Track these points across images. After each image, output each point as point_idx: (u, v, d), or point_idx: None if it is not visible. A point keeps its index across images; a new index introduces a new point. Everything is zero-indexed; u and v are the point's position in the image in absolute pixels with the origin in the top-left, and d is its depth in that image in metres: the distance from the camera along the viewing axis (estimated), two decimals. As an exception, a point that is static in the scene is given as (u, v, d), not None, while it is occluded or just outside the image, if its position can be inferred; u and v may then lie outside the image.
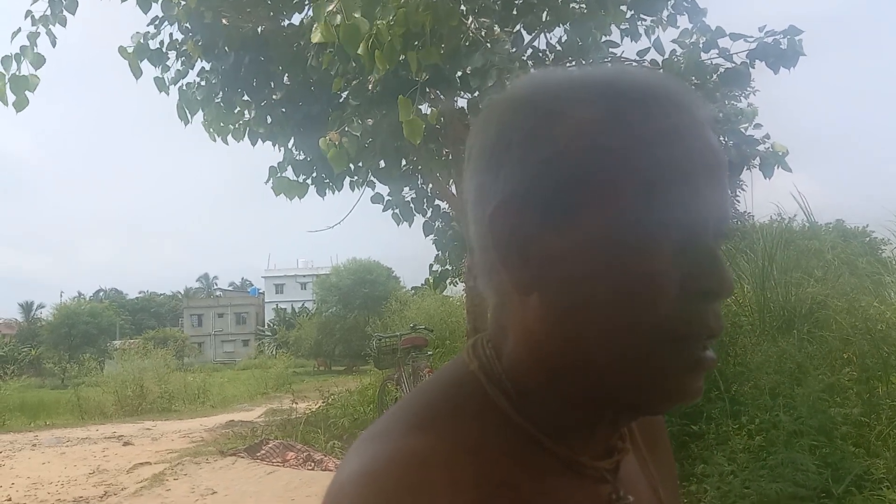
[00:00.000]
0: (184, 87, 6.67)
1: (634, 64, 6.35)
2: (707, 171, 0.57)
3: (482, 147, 0.61)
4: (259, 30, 6.40)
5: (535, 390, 0.60)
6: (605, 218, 0.55)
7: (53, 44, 5.86)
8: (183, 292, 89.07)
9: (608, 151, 0.56)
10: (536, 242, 0.57)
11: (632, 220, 0.55)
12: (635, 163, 0.55)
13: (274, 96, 6.62)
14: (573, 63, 6.57)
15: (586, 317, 0.56)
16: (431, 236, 7.98)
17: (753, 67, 5.79)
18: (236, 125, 6.71)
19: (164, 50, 6.43)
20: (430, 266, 8.43)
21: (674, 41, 6.04)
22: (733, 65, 5.90)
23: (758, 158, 6.08)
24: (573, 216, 0.56)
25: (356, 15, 4.34)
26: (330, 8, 4.39)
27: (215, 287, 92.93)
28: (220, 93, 6.65)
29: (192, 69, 6.68)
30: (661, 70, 5.98)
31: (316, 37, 4.55)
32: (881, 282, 7.19)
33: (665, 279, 0.55)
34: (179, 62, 6.69)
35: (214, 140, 6.79)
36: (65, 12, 6.01)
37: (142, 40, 6.23)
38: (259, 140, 6.85)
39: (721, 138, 6.10)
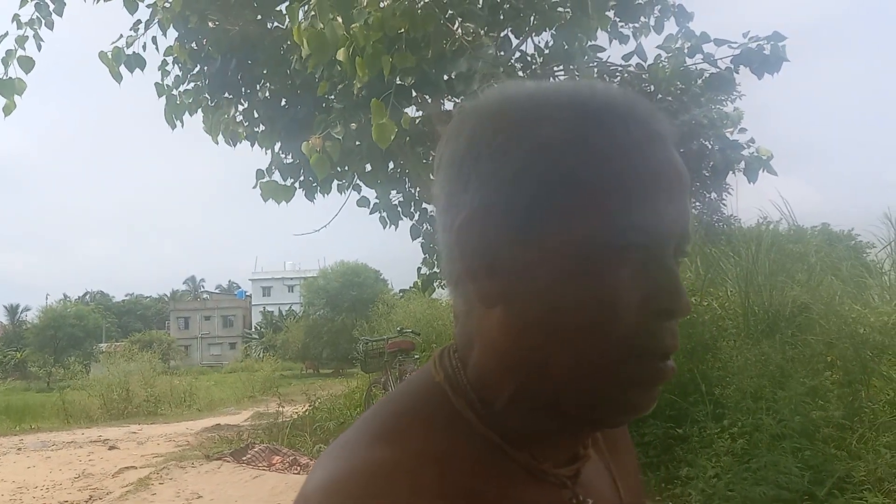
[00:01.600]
0: (174, 92, 6.66)
1: (616, 70, 6.40)
2: (669, 188, 0.59)
3: (452, 156, 0.62)
4: (245, 33, 6.39)
5: (500, 401, 0.61)
6: (569, 234, 0.57)
7: (39, 47, 5.84)
8: (169, 295, 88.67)
9: (571, 169, 0.57)
10: (502, 256, 0.58)
11: (594, 237, 0.56)
12: (598, 181, 0.57)
13: (259, 95, 6.61)
14: (560, 67, 6.60)
15: (548, 331, 0.58)
16: (419, 239, 7.99)
17: (738, 73, 5.85)
18: (228, 128, 6.70)
19: (143, 54, 6.40)
20: (419, 269, 8.44)
21: (659, 47, 6.08)
22: (718, 70, 5.95)
23: (743, 163, 6.13)
24: (538, 231, 0.57)
25: (332, 17, 4.35)
26: (301, 16, 4.41)
27: (202, 289, 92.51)
28: (208, 95, 6.64)
29: (192, 71, 6.67)
30: (646, 75, 6.03)
31: (303, 51, 4.58)
32: (864, 285, 7.25)
33: (625, 297, 0.57)
34: (177, 67, 6.69)
35: (217, 143, 6.79)
36: (53, 15, 6.00)
37: (119, 45, 6.20)
38: (246, 141, 6.84)
39: (706, 143, 6.15)
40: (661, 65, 6.00)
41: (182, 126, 6.65)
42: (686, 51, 5.92)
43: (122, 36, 6.19)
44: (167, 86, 6.72)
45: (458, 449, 0.59)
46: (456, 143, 0.62)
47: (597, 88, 0.61)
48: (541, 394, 0.60)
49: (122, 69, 6.14)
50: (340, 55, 4.56)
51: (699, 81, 6.08)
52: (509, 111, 0.61)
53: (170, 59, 6.70)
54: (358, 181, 7.07)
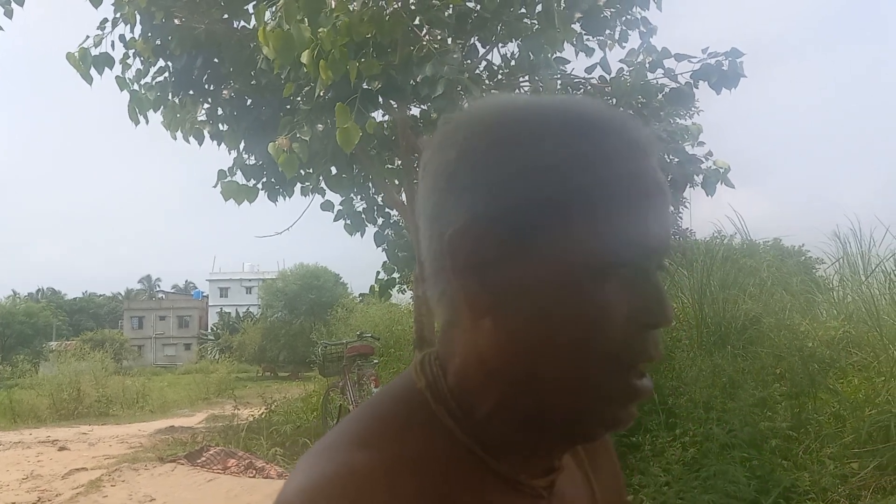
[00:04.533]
0: (136, 89, 6.56)
1: (579, 82, 6.49)
2: (655, 205, 0.61)
3: (442, 165, 0.62)
4: (211, 31, 6.34)
5: (480, 410, 0.62)
6: (561, 250, 0.58)
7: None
8: (124, 294, 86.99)
9: (566, 187, 0.59)
10: (494, 268, 0.60)
11: (585, 253, 0.58)
12: (591, 199, 0.59)
13: (223, 93, 6.55)
14: (526, 78, 6.67)
15: (536, 343, 0.59)
16: (383, 246, 8.00)
17: (697, 88, 5.96)
18: (191, 125, 6.62)
19: (111, 53, 6.30)
20: (377, 274, 8.44)
21: (621, 60, 6.18)
22: (678, 85, 6.07)
23: (701, 176, 6.25)
24: (531, 245, 0.59)
25: (299, 20, 4.35)
26: (268, 17, 4.40)
27: (158, 289, 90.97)
28: (172, 93, 6.56)
29: (154, 66, 6.58)
30: (609, 88, 6.12)
31: (265, 50, 4.56)
32: (813, 300, 7.46)
33: (614, 311, 0.59)
34: (139, 61, 6.59)
35: (175, 139, 6.69)
36: (12, 4, 5.88)
37: (86, 46, 6.10)
38: (209, 140, 6.77)
39: (666, 157, 6.26)
40: (623, 78, 6.10)
41: (147, 123, 6.55)
42: (648, 65, 6.03)
43: (88, 37, 6.08)
44: (128, 79, 6.62)
45: (436, 455, 0.60)
46: (446, 152, 0.62)
47: (588, 106, 0.63)
48: (524, 405, 0.61)
49: (92, 71, 6.04)
50: (304, 58, 4.55)
51: (660, 96, 6.19)
52: (505, 125, 0.62)
53: (131, 53, 6.60)
54: (322, 185, 7.05)
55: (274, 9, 4.56)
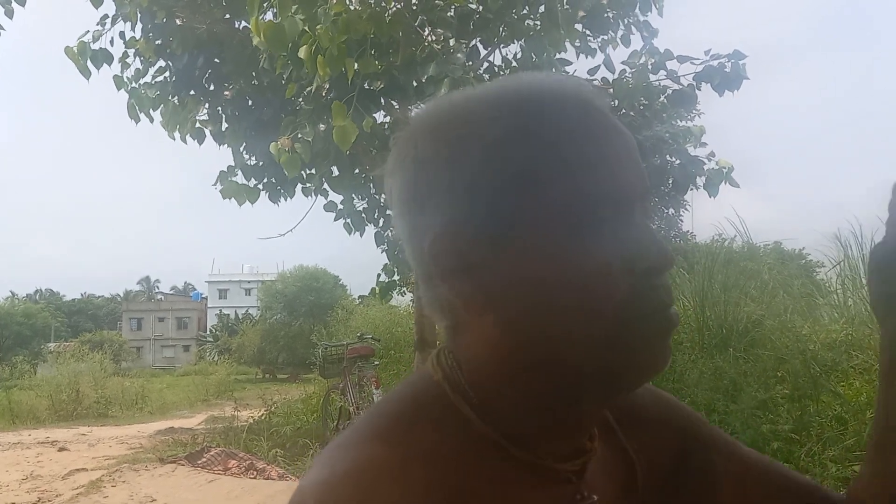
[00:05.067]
0: (135, 87, 6.57)
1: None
2: (618, 152, 0.60)
3: (403, 184, 0.62)
4: (213, 31, 6.34)
5: (499, 397, 0.61)
6: (541, 227, 0.57)
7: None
8: (122, 295, 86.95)
9: (522, 162, 0.58)
10: (481, 266, 0.59)
11: (563, 219, 0.57)
12: (550, 166, 0.58)
13: (225, 93, 6.56)
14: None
15: (547, 323, 0.58)
16: (383, 246, 7.99)
17: (699, 90, 5.97)
18: (192, 125, 6.62)
19: (110, 49, 6.30)
20: (378, 276, 8.43)
21: (623, 62, 6.19)
22: (680, 87, 6.07)
23: (703, 178, 6.24)
24: (510, 233, 0.58)
25: (295, 16, 4.36)
26: (266, 10, 4.40)
27: (157, 290, 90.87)
28: (173, 92, 6.57)
29: (153, 67, 6.58)
30: (611, 89, 6.12)
31: (255, 40, 4.56)
32: (814, 303, 7.45)
33: (610, 266, 0.57)
34: (138, 60, 6.59)
35: (174, 139, 6.69)
36: (13, 3, 5.89)
37: (86, 40, 6.10)
38: (209, 140, 6.77)
39: (669, 158, 6.26)
40: (625, 80, 6.10)
41: (151, 122, 6.55)
42: (650, 67, 6.03)
43: (88, 31, 6.09)
44: (127, 79, 6.62)
45: (456, 447, 0.59)
46: (402, 169, 0.62)
47: (523, 79, 0.63)
48: (549, 383, 0.60)
49: (90, 65, 6.04)
50: (302, 53, 4.56)
51: (662, 98, 6.19)
52: (451, 120, 0.61)
53: (131, 52, 6.61)
54: (325, 185, 7.05)
55: (272, 6, 4.57)
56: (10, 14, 5.97)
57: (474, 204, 0.58)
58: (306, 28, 4.51)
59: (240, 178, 6.66)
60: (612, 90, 6.16)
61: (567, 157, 0.58)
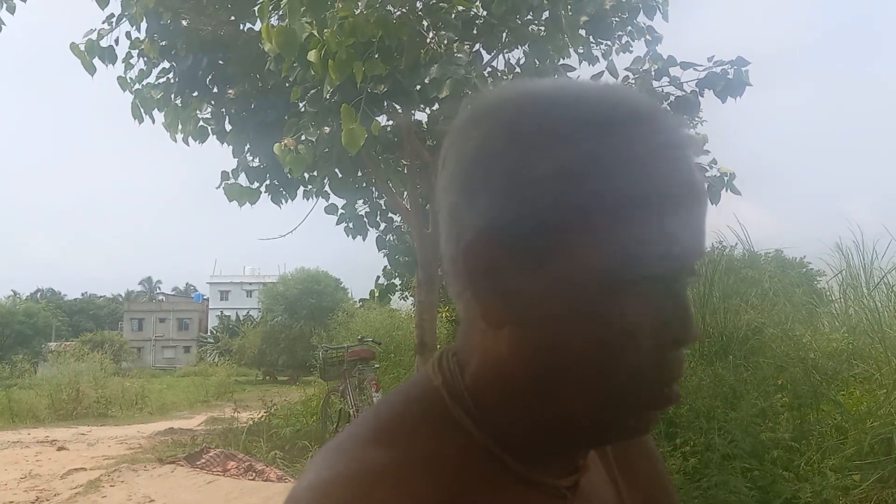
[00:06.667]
0: (140, 87, 6.59)
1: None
2: (689, 213, 0.57)
3: (459, 161, 0.59)
4: (219, 33, 6.36)
5: (497, 409, 0.60)
6: (582, 263, 0.55)
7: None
8: (124, 295, 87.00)
9: (589, 197, 0.54)
10: (510, 280, 0.56)
11: (608, 267, 0.55)
12: (616, 210, 0.54)
13: (229, 92, 6.57)
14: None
15: (558, 358, 0.57)
16: (384, 250, 8.01)
17: (703, 96, 5.97)
18: (195, 126, 6.64)
19: (115, 48, 6.32)
20: (377, 279, 8.44)
21: (627, 69, 6.19)
22: (683, 93, 6.07)
23: (706, 185, 6.25)
24: (549, 258, 0.55)
25: (301, 18, 4.37)
26: (275, 21, 4.42)
27: (158, 291, 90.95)
28: (177, 93, 6.59)
29: (156, 68, 6.60)
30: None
31: (267, 46, 4.58)
32: (815, 312, 7.45)
33: (636, 328, 0.55)
34: (142, 61, 6.61)
35: (175, 140, 6.70)
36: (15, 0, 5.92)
37: (93, 38, 6.12)
38: (212, 142, 6.79)
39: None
40: (628, 86, 6.10)
41: (153, 122, 6.57)
42: (653, 73, 6.04)
43: (94, 29, 6.11)
44: (130, 79, 6.64)
45: (449, 454, 0.58)
46: (465, 146, 0.59)
47: (621, 100, 0.58)
48: (542, 412, 0.59)
49: (97, 62, 6.07)
50: (312, 57, 4.57)
51: (665, 104, 6.20)
52: (525, 121, 0.57)
53: (134, 53, 6.63)
54: (326, 188, 7.06)
55: (279, 9, 4.59)
56: (11, 9, 5.99)
57: (524, 218, 0.55)
58: (314, 32, 4.53)
59: (242, 180, 6.67)
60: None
61: (631, 199, 0.54)
